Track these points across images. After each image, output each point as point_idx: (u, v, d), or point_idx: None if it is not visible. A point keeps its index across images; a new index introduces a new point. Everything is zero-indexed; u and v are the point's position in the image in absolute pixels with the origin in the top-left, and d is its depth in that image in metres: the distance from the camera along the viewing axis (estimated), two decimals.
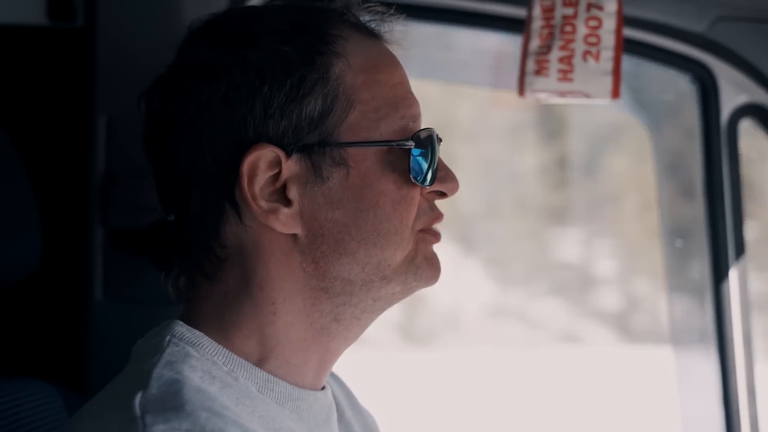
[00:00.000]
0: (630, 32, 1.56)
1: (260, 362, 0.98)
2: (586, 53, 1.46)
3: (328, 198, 0.96)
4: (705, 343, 1.78)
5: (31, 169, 1.24)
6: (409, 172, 0.97)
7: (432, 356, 5.13)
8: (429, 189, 1.00)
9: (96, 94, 1.58)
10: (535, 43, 1.48)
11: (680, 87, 1.76)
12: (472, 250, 5.10)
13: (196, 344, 0.96)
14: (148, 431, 0.84)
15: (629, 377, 4.81)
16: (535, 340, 5.17)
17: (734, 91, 1.69)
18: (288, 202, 0.96)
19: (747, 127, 1.72)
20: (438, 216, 1.02)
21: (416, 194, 0.99)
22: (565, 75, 1.46)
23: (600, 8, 1.45)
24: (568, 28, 1.46)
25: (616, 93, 1.46)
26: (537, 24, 1.49)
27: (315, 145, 0.96)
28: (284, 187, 0.96)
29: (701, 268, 1.77)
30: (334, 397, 1.09)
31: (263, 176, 0.95)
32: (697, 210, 1.77)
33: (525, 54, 1.49)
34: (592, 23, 1.45)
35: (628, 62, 1.49)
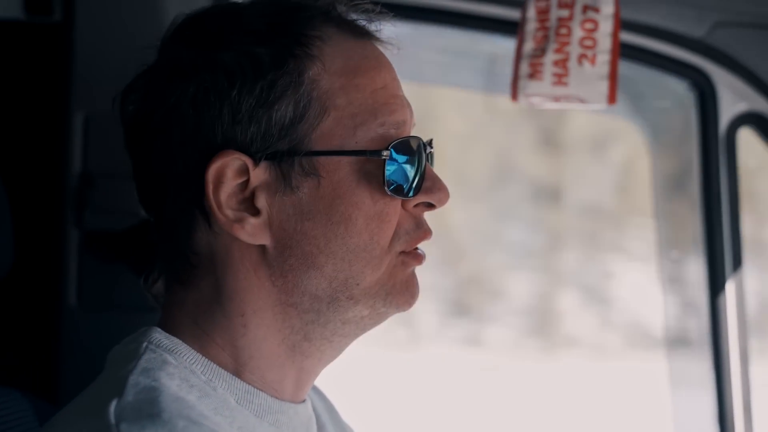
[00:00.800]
0: (627, 36, 1.56)
1: (237, 373, 0.97)
2: (582, 57, 1.45)
3: (298, 208, 0.95)
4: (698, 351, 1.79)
5: (3, 169, 1.24)
6: (386, 183, 0.95)
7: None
8: (415, 201, 0.98)
9: (73, 91, 1.57)
10: (529, 45, 1.48)
11: (679, 93, 1.76)
12: None
13: (174, 351, 0.95)
14: None
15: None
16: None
17: (733, 98, 1.69)
18: (256, 212, 0.95)
19: (746, 136, 1.73)
20: (424, 234, 1.00)
21: (394, 209, 0.97)
22: (560, 79, 1.46)
23: (596, 10, 1.45)
24: (564, 31, 1.46)
25: (612, 98, 1.46)
26: (531, 26, 1.49)
27: (284, 153, 0.94)
28: (252, 196, 0.95)
29: (697, 275, 1.78)
30: (315, 411, 1.08)
31: (230, 184, 0.95)
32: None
33: (519, 57, 1.49)
34: (588, 26, 1.45)
35: (624, 67, 1.49)
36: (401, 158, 0.96)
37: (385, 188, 0.95)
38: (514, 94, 1.49)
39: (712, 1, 1.61)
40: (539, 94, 1.49)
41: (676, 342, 1.91)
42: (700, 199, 1.75)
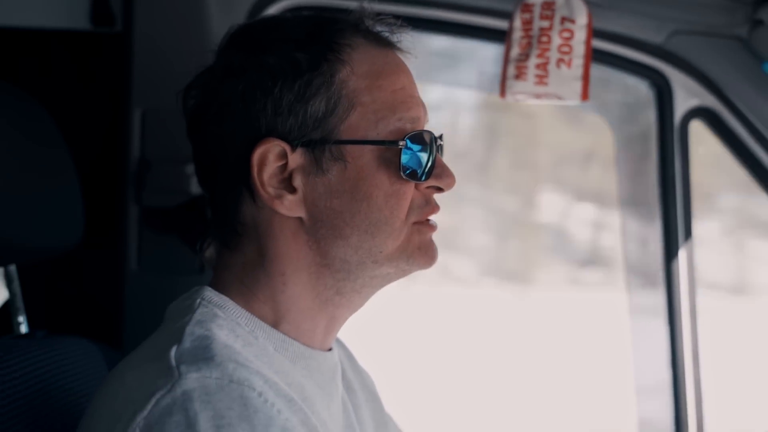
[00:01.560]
0: (597, 43, 1.55)
1: (275, 325, 0.97)
2: (560, 61, 1.45)
3: (328, 188, 0.95)
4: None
5: (76, 156, 1.23)
6: (402, 168, 0.95)
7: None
8: (426, 184, 0.98)
9: (132, 90, 1.57)
10: (515, 51, 1.47)
11: (640, 92, 1.75)
12: None
13: (223, 307, 0.95)
14: (183, 378, 0.83)
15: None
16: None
17: (686, 95, 1.68)
18: (293, 190, 0.95)
19: (697, 128, 1.72)
20: (433, 209, 0.99)
21: (408, 189, 0.97)
22: (541, 79, 1.45)
23: (572, 21, 1.45)
24: (544, 39, 1.45)
25: (585, 95, 1.45)
26: (517, 35, 1.48)
27: (317, 141, 0.94)
28: (290, 177, 0.95)
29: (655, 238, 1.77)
30: (339, 359, 1.08)
31: (272, 166, 0.95)
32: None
33: (506, 61, 1.48)
34: (565, 35, 1.45)
35: (595, 69, 1.49)
36: (416, 147, 0.96)
37: (401, 173, 0.95)
38: (503, 92, 1.49)
39: (669, 13, 1.59)
40: (523, 92, 1.48)
41: (636, 278, 1.88)
42: (658, 178, 1.74)
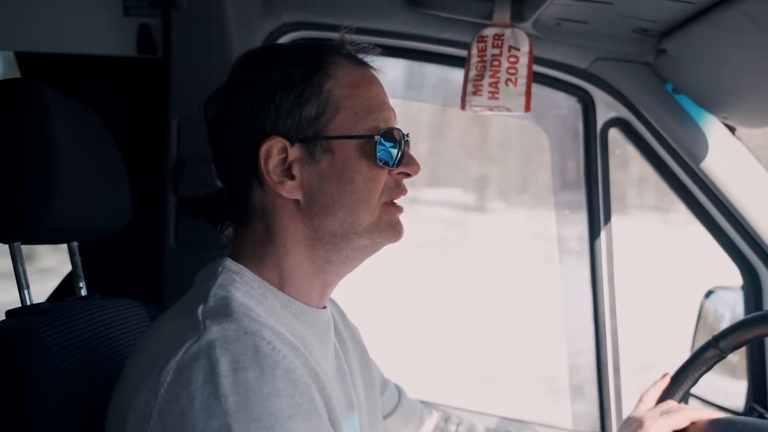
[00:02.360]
0: (537, 67, 1.54)
1: (281, 287, 0.96)
2: (508, 80, 1.44)
3: (320, 174, 0.94)
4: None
5: (127, 157, 1.22)
6: (377, 158, 0.95)
7: None
8: (396, 171, 0.97)
9: (170, 103, 1.55)
10: (472, 72, 1.47)
11: (569, 105, 1.74)
12: None
13: (240, 273, 0.94)
14: (207, 331, 0.82)
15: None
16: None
17: (606, 109, 1.67)
18: (293, 177, 0.94)
19: (614, 135, 1.71)
20: (402, 191, 0.99)
21: (383, 175, 0.96)
22: (493, 95, 1.45)
23: (518, 49, 1.44)
24: (496, 63, 1.45)
25: (527, 108, 1.45)
26: (474, 60, 1.47)
27: (311, 137, 0.94)
28: (290, 167, 0.94)
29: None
30: (332, 315, 1.07)
31: (275, 158, 0.94)
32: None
33: (466, 80, 1.47)
34: (512, 59, 1.44)
35: (535, 87, 1.48)
36: (388, 142, 0.95)
37: (377, 161, 0.95)
38: (463, 105, 1.48)
39: (592, 44, 1.58)
40: (479, 105, 1.47)
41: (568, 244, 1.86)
42: (584, 176, 1.74)
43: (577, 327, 1.80)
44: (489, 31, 1.46)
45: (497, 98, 1.45)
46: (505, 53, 1.44)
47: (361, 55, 0.99)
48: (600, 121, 1.69)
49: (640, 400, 1.24)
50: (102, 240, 1.22)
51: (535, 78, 1.48)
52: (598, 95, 1.66)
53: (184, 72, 1.53)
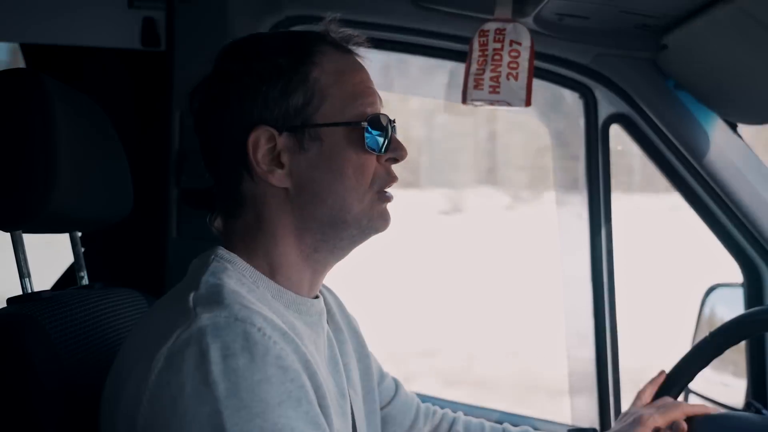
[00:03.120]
0: (538, 63, 1.54)
1: (272, 276, 0.96)
2: (509, 74, 1.44)
3: (309, 162, 0.93)
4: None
5: (130, 148, 1.22)
6: (365, 144, 0.94)
7: None
8: (385, 157, 0.96)
9: (173, 96, 1.55)
10: (474, 67, 1.46)
11: (571, 101, 1.74)
12: None
13: (231, 261, 0.94)
14: (198, 318, 0.83)
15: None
16: None
17: (607, 105, 1.67)
18: (281, 166, 0.94)
19: (616, 130, 1.71)
20: (392, 179, 0.98)
21: (371, 161, 0.95)
22: (494, 89, 1.44)
23: (519, 44, 1.44)
24: (497, 57, 1.44)
25: (528, 102, 1.44)
26: (475, 55, 1.47)
27: (298, 126, 0.93)
28: (279, 156, 0.94)
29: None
30: (327, 305, 1.07)
31: (264, 147, 0.93)
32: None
33: (467, 75, 1.47)
34: (513, 54, 1.43)
35: (537, 83, 1.48)
36: (375, 128, 0.95)
37: (365, 147, 0.94)
38: (464, 99, 1.48)
39: (594, 40, 1.58)
40: (480, 99, 1.47)
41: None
42: (585, 169, 1.73)
43: (576, 321, 1.79)
44: (491, 26, 1.45)
45: (498, 92, 1.44)
46: (507, 47, 1.43)
47: (345, 43, 0.98)
48: (601, 116, 1.68)
49: (637, 396, 1.24)
50: (104, 230, 1.23)
51: (536, 73, 1.47)
52: (600, 91, 1.65)
53: (187, 64, 1.53)
